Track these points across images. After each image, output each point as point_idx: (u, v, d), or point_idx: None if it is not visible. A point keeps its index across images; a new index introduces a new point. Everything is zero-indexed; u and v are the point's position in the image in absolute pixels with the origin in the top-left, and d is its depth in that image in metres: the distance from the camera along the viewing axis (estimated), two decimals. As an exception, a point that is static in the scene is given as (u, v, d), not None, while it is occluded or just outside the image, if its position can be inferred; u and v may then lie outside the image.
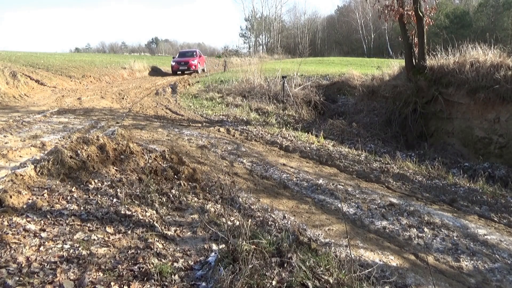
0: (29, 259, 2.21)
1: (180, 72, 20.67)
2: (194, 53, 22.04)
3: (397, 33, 13.68)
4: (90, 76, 14.94)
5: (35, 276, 2.05)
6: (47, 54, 25.10)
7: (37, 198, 3.10)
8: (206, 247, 2.77)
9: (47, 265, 2.17)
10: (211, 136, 7.01)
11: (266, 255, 2.23)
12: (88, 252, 2.38)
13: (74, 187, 3.46)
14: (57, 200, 3.14)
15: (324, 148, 6.82)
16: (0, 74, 10.23)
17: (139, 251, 2.51)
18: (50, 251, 2.34)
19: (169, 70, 22.36)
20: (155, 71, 21.91)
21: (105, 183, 3.67)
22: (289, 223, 3.55)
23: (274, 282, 2.04)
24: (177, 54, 23.08)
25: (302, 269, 2.15)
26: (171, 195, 3.74)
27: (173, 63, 20.64)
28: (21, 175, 3.37)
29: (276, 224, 3.48)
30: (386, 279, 2.71)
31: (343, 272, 2.28)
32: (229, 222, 3.11)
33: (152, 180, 3.98)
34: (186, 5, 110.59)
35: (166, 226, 3.10)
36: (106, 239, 2.63)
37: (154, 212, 3.28)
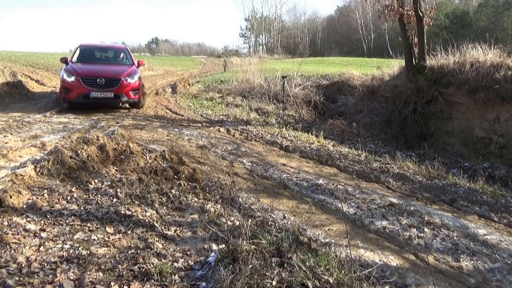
0: (29, 259, 2.21)
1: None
2: (123, 56, 9.92)
3: (397, 33, 13.69)
4: (90, 76, 14.92)
5: (35, 276, 2.05)
6: (47, 54, 25.11)
7: (37, 198, 3.10)
8: (206, 247, 2.77)
9: (47, 265, 2.17)
10: (211, 136, 7.00)
11: (266, 255, 2.23)
12: (88, 252, 2.38)
13: (74, 187, 3.45)
14: (57, 200, 3.14)
15: (324, 148, 6.82)
16: (0, 74, 10.22)
17: (139, 251, 2.51)
18: (50, 251, 2.34)
19: (170, 70, 21.08)
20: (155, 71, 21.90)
21: (105, 183, 3.67)
22: (289, 223, 3.55)
23: (274, 282, 2.04)
24: (77, 51, 9.38)
25: (302, 269, 2.15)
26: (171, 195, 3.74)
27: (69, 79, 7.91)
28: (21, 175, 3.37)
29: (276, 224, 3.48)
30: (386, 279, 2.71)
31: (343, 272, 2.28)
32: (229, 222, 3.11)
33: (152, 180, 3.98)
34: (186, 5, 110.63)
35: (166, 226, 3.10)
36: (106, 239, 2.63)
37: (154, 212, 3.28)
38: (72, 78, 7.86)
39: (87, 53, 9.61)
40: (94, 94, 7.95)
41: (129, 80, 8.32)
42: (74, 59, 9.09)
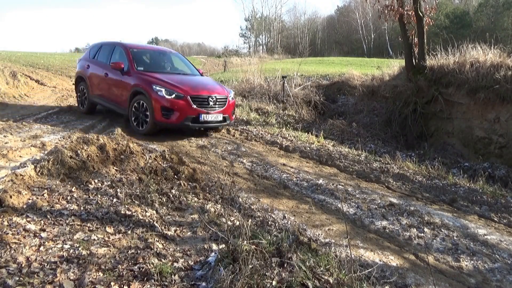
0: (29, 259, 2.21)
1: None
2: (186, 64, 8.24)
3: (397, 33, 13.69)
4: (90, 76, 14.89)
5: (35, 276, 2.05)
6: (47, 54, 25.13)
7: (37, 198, 3.10)
8: (206, 247, 2.77)
9: (47, 265, 2.17)
10: (211, 136, 7.00)
11: (266, 255, 2.23)
12: (88, 252, 2.38)
13: (74, 187, 3.46)
14: (57, 200, 3.14)
15: (324, 148, 6.82)
16: (0, 74, 10.23)
17: (139, 251, 2.51)
18: (50, 251, 2.34)
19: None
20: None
21: (105, 183, 3.67)
22: (289, 223, 3.55)
23: (274, 282, 2.04)
24: (130, 55, 7.07)
25: (302, 269, 2.15)
26: (171, 195, 3.74)
27: (170, 96, 6.20)
28: (21, 175, 3.37)
29: (276, 224, 3.48)
30: (386, 279, 2.71)
31: (343, 272, 2.28)
32: (229, 222, 3.11)
33: (152, 180, 3.98)
34: (186, 5, 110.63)
35: (166, 226, 3.10)
36: (106, 239, 2.63)
37: (154, 212, 3.28)
38: (173, 96, 6.19)
39: (147, 58, 7.63)
40: (205, 117, 6.37)
41: (230, 97, 6.94)
42: (136, 66, 6.92)
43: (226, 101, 6.72)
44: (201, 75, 7.93)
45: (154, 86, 6.25)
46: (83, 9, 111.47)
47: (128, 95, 6.61)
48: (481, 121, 7.88)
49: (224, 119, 6.73)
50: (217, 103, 6.55)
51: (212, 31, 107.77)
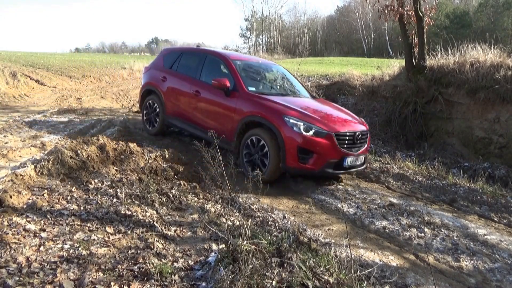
0: (29, 259, 2.21)
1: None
2: (292, 81, 6.25)
3: (397, 33, 13.69)
4: (90, 76, 14.94)
5: (35, 276, 2.05)
6: (47, 54, 25.15)
7: (37, 198, 3.10)
8: (206, 247, 2.77)
9: (47, 265, 2.17)
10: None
11: (266, 255, 2.23)
12: (88, 252, 2.38)
13: (74, 187, 3.46)
14: (57, 200, 3.14)
15: (324, 148, 6.81)
16: (0, 74, 10.23)
17: (139, 251, 2.51)
18: (50, 251, 2.34)
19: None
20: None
21: (105, 183, 3.67)
22: (289, 223, 3.56)
23: (274, 282, 2.04)
24: (236, 68, 5.26)
25: (302, 269, 2.15)
26: (171, 195, 3.74)
27: (308, 133, 4.37)
28: (21, 175, 3.37)
29: (276, 224, 3.48)
30: (386, 279, 2.71)
31: (343, 272, 2.28)
32: (229, 222, 3.11)
33: (152, 180, 3.98)
34: (186, 5, 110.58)
35: (166, 226, 3.10)
36: (106, 239, 2.63)
37: (154, 212, 3.28)
38: (311, 132, 4.43)
39: (254, 75, 5.86)
40: (349, 160, 4.67)
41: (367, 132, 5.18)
42: (246, 85, 5.11)
43: (367, 137, 5.08)
44: (313, 97, 6.09)
45: (287, 118, 4.48)
46: (83, 8, 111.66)
47: (238, 126, 4.85)
48: (481, 121, 7.88)
49: (364, 161, 5.06)
50: (361, 141, 4.87)
51: (212, 31, 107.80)
